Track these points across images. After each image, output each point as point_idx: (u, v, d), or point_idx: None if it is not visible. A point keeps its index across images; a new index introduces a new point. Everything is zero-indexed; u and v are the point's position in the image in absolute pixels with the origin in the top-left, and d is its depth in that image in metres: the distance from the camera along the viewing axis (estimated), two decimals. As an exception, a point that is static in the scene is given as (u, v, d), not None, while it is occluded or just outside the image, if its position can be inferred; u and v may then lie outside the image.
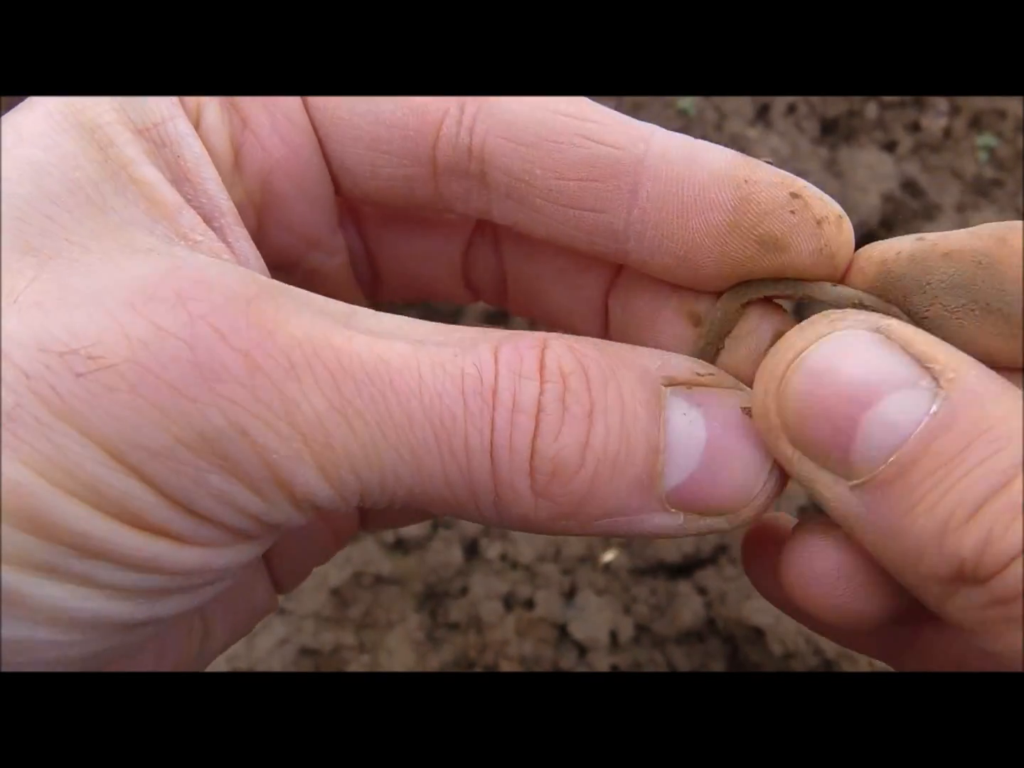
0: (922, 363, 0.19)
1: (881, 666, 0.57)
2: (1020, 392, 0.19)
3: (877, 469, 0.18)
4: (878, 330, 0.19)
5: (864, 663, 0.56)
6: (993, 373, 0.19)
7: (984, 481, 0.17)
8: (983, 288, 0.20)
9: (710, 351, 0.24)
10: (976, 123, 0.87)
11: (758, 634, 0.57)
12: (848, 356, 0.19)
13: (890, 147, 0.81)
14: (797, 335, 0.20)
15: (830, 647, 0.56)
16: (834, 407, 0.19)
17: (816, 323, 0.20)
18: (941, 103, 0.83)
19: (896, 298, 0.21)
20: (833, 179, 0.77)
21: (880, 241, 0.23)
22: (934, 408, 0.18)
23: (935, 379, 0.18)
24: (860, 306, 0.21)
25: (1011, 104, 0.89)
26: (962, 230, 0.21)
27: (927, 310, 0.21)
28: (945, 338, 0.20)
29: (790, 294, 0.22)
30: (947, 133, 0.84)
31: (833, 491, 0.19)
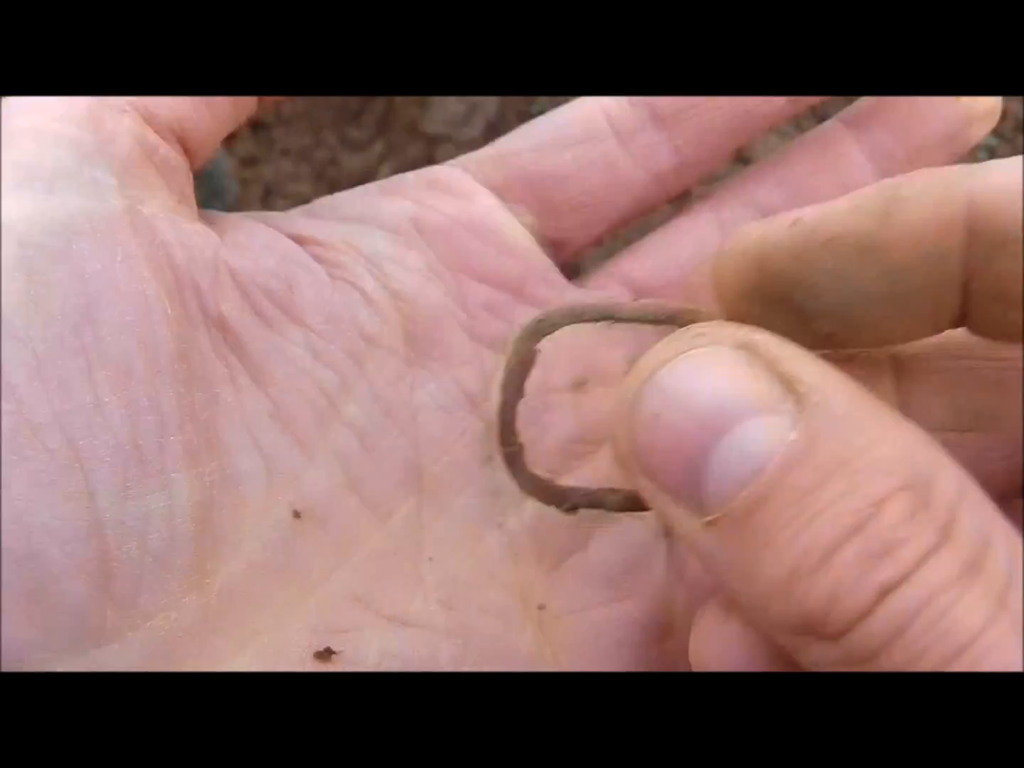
0: (787, 384, 0.16)
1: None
2: (898, 417, 0.17)
3: (729, 505, 0.16)
4: (743, 346, 0.17)
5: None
6: (869, 396, 0.17)
7: (836, 523, 0.15)
8: (872, 279, 0.18)
9: (509, 410, 0.23)
10: (976, 123, 0.87)
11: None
12: (704, 377, 0.17)
13: (890, 147, 0.81)
14: (654, 352, 0.18)
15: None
16: (685, 435, 0.17)
17: (677, 338, 0.18)
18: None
19: (779, 298, 0.19)
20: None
21: (751, 226, 0.19)
22: (792, 436, 0.16)
23: (799, 403, 0.16)
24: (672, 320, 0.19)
25: (1011, 104, 0.89)
26: (845, 201, 0.18)
27: (815, 310, 0.18)
28: (842, 341, 0.18)
29: (595, 318, 0.20)
30: (947, 133, 0.84)
31: (687, 528, 0.17)
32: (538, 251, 0.27)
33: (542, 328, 0.21)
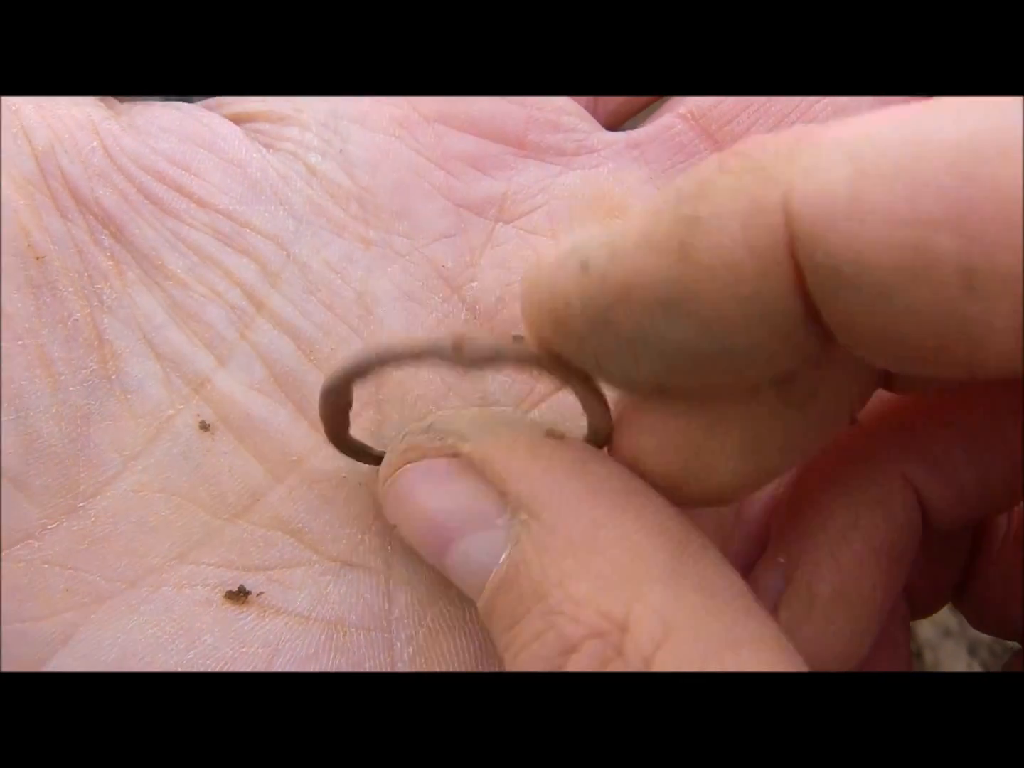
0: (502, 497, 0.15)
1: (880, 666, 0.57)
2: (616, 529, 0.14)
3: (477, 604, 0.16)
4: (456, 455, 0.16)
5: (864, 663, 0.56)
6: (583, 504, 0.15)
7: (538, 663, 0.14)
8: (686, 337, 0.13)
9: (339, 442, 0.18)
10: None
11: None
12: (420, 493, 0.16)
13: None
14: (385, 461, 0.17)
15: (829, 647, 0.56)
16: (421, 544, 0.16)
17: (393, 450, 0.17)
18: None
19: (588, 358, 0.15)
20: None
21: (543, 259, 0.15)
22: (502, 558, 0.15)
23: (513, 518, 0.15)
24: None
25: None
26: (636, 228, 0.13)
27: (630, 372, 0.15)
28: (680, 392, 0.15)
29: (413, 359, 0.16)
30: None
31: None
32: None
33: (350, 376, 0.17)
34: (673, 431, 0.16)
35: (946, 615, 0.61)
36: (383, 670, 0.18)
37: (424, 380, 0.20)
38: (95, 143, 0.19)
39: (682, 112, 0.22)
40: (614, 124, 0.23)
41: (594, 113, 0.23)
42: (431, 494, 0.16)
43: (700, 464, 0.16)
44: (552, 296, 0.14)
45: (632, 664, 0.13)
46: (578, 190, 0.21)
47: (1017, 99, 0.11)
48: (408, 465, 0.17)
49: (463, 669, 0.18)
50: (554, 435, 0.16)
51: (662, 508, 0.15)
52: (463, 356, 0.15)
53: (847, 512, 0.18)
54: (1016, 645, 0.22)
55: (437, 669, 0.18)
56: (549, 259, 0.15)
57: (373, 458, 0.19)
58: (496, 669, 0.18)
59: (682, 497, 0.16)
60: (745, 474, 0.16)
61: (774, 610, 0.19)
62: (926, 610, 0.22)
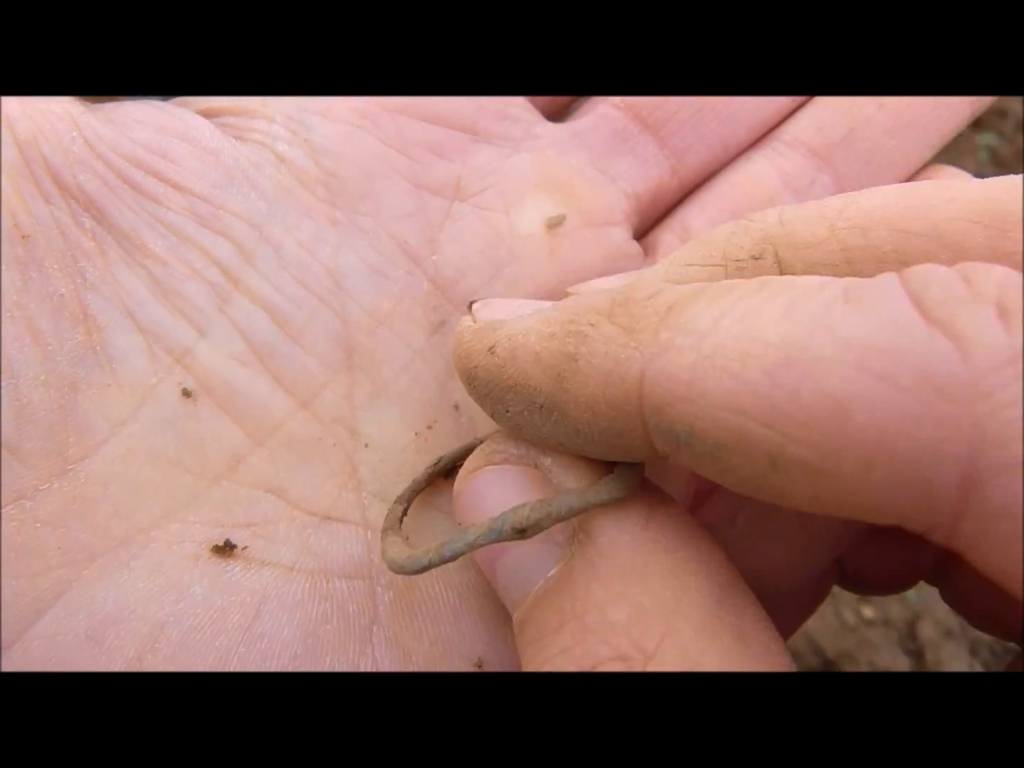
0: None
1: (882, 666, 0.57)
2: (669, 567, 0.15)
3: (513, 613, 0.17)
4: (536, 466, 0.17)
5: (864, 663, 0.56)
6: (640, 536, 0.16)
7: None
8: (558, 431, 0.16)
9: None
10: (976, 122, 0.87)
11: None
12: (493, 494, 0.17)
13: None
14: (473, 456, 0.18)
15: (830, 647, 0.56)
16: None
17: (482, 450, 0.18)
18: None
19: (487, 408, 0.18)
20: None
21: (461, 338, 0.18)
22: (551, 572, 0.16)
23: (571, 536, 0.16)
24: None
25: (1011, 104, 0.89)
26: (534, 331, 0.16)
27: (529, 435, 0.17)
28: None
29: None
30: (947, 133, 0.84)
31: None
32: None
33: (394, 519, 0.19)
34: None
35: (947, 615, 0.61)
36: (366, 612, 0.19)
37: (392, 347, 0.21)
38: (75, 133, 0.20)
39: (616, 102, 0.24)
40: (553, 116, 0.25)
41: (535, 104, 0.25)
42: (502, 497, 0.17)
43: None
44: (467, 364, 0.18)
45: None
46: (527, 170, 0.23)
47: (834, 300, 0.13)
48: (489, 467, 0.18)
49: (441, 612, 0.19)
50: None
51: (714, 554, 0.16)
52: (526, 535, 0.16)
53: None
54: (1016, 646, 0.22)
55: (416, 613, 0.19)
56: (471, 330, 0.18)
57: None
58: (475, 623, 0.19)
59: None
60: None
61: (732, 520, 0.20)
62: (893, 586, 0.22)
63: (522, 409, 0.17)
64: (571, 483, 0.16)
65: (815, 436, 0.12)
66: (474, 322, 0.18)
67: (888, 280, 0.13)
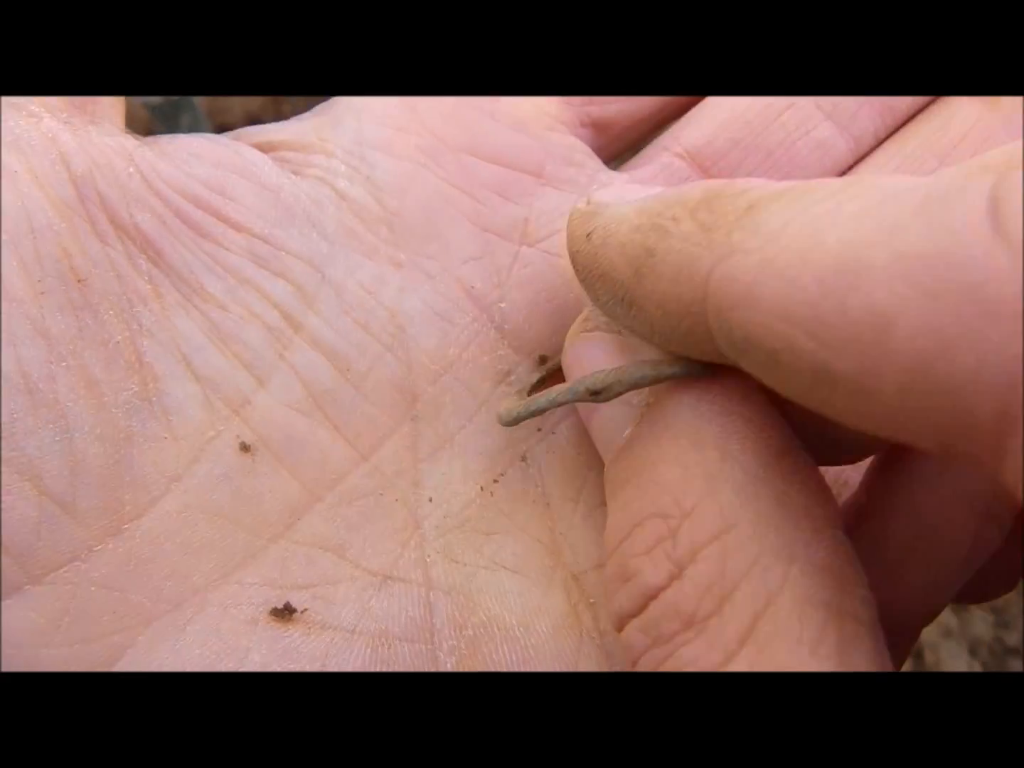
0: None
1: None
2: (721, 433, 0.16)
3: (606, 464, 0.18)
4: (620, 333, 0.18)
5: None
6: (698, 401, 0.16)
7: (612, 535, 0.16)
8: (637, 324, 0.17)
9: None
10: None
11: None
12: (585, 358, 0.18)
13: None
14: (575, 324, 0.19)
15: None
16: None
17: (583, 319, 0.19)
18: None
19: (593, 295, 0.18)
20: (833, 179, 0.77)
21: (569, 219, 0.18)
22: (626, 432, 0.17)
23: (646, 398, 0.17)
24: None
25: (1011, 104, 0.89)
26: (626, 219, 0.16)
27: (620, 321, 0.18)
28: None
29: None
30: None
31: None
32: (562, 128, 0.23)
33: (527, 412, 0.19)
34: None
35: (947, 615, 0.61)
36: None
37: (457, 396, 0.21)
38: (131, 169, 0.19)
39: (678, 151, 0.24)
40: (611, 164, 0.25)
41: (598, 153, 0.24)
42: (593, 361, 0.18)
43: None
44: (571, 247, 0.18)
45: (681, 547, 0.15)
46: None
47: (909, 206, 0.12)
48: (584, 334, 0.18)
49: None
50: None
51: (771, 420, 0.16)
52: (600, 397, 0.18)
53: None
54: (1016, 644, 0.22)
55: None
56: (579, 212, 0.18)
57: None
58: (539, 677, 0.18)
59: None
60: None
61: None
62: (990, 595, 0.21)
63: (608, 299, 0.17)
64: (643, 353, 0.17)
65: (858, 352, 0.12)
66: (587, 204, 0.18)
67: (977, 186, 0.12)
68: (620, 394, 0.17)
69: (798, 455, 0.16)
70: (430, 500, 0.20)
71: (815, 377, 0.13)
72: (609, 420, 0.18)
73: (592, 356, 0.18)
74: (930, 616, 0.19)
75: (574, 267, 0.18)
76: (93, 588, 0.17)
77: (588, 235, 0.17)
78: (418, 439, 0.20)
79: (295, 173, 0.21)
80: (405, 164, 0.21)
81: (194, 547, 0.18)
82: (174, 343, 0.19)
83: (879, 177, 0.13)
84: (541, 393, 0.18)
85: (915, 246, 0.11)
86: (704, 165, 0.23)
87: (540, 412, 0.19)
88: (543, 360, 0.21)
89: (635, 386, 0.17)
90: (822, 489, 0.15)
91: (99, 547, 0.17)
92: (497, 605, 0.19)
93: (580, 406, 0.19)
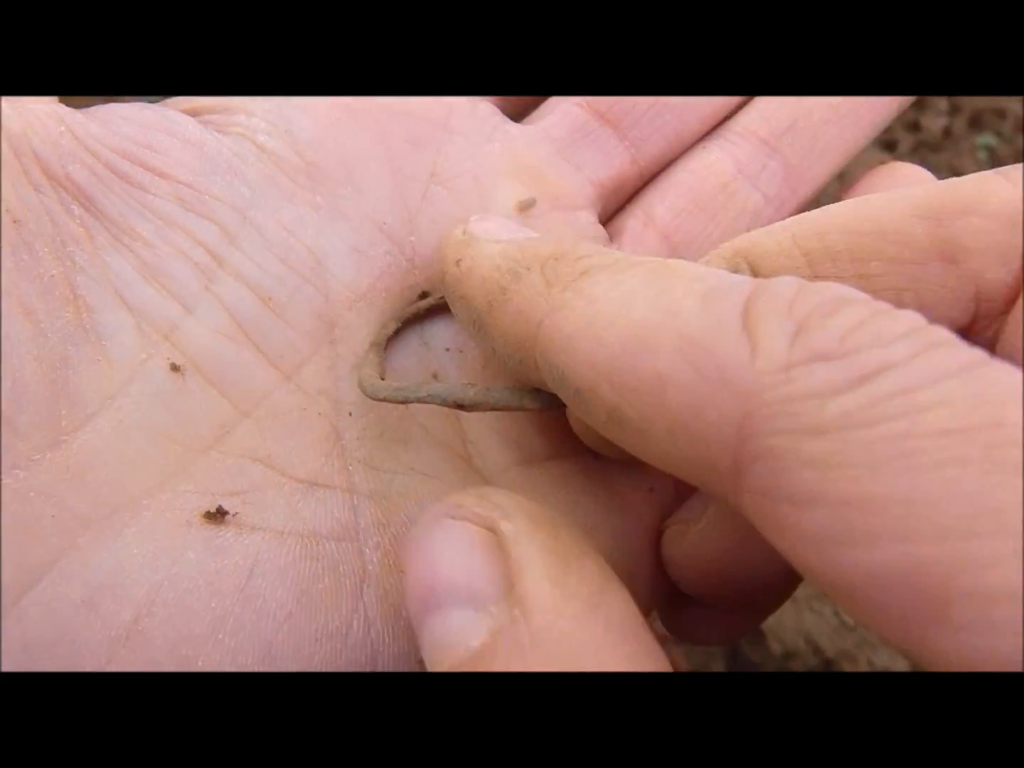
0: (510, 585, 0.15)
1: (881, 666, 0.57)
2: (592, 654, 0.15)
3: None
4: (492, 529, 0.16)
5: (864, 663, 0.56)
6: (578, 627, 0.15)
7: None
8: (481, 342, 0.20)
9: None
10: (976, 123, 0.87)
11: (758, 634, 0.57)
12: (437, 550, 0.16)
13: (890, 146, 0.81)
14: (437, 505, 0.17)
15: (830, 647, 0.56)
16: (413, 595, 0.16)
17: (445, 501, 0.17)
18: (941, 103, 0.83)
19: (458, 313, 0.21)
20: (833, 180, 0.77)
21: (442, 242, 0.22)
22: (475, 643, 0.15)
23: (508, 607, 0.15)
24: None
25: (1011, 104, 0.89)
26: (480, 262, 0.20)
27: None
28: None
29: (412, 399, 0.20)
30: (947, 133, 0.84)
31: None
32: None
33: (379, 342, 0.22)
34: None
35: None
36: (355, 572, 0.20)
37: (372, 321, 0.22)
38: (63, 128, 0.21)
39: (576, 101, 0.26)
40: (516, 118, 0.27)
41: (502, 109, 0.26)
42: (450, 554, 0.16)
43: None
44: (442, 266, 0.21)
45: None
46: (498, 159, 0.25)
47: (693, 295, 0.15)
48: (448, 520, 0.17)
49: None
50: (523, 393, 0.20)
51: (654, 658, 0.15)
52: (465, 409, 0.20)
53: None
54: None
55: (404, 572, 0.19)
56: (455, 239, 0.21)
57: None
58: None
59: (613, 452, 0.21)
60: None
61: (704, 510, 0.21)
62: None
63: (465, 319, 0.20)
64: (524, 555, 0.16)
65: (641, 401, 0.15)
66: (463, 233, 0.21)
67: (739, 287, 0.15)
68: (484, 410, 0.20)
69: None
70: (350, 414, 0.21)
71: (610, 416, 0.16)
72: (455, 621, 0.15)
73: (447, 546, 0.16)
74: (779, 588, 0.21)
75: (444, 285, 0.21)
76: (32, 495, 0.18)
77: (457, 262, 0.20)
78: (337, 360, 0.22)
79: (219, 131, 0.22)
80: (322, 119, 0.23)
81: (129, 459, 0.19)
82: (106, 278, 0.20)
83: (682, 264, 0.17)
84: (418, 384, 0.20)
85: (692, 329, 0.15)
86: (599, 111, 0.26)
87: (404, 402, 0.20)
88: (423, 296, 0.23)
89: (499, 408, 0.20)
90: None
91: (37, 457, 0.19)
92: (416, 507, 0.21)
93: (418, 599, 0.16)
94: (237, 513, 0.19)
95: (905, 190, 0.19)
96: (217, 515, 0.19)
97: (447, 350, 0.23)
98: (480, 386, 0.20)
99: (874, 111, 0.27)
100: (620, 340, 0.15)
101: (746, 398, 0.14)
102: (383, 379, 0.21)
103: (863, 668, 0.56)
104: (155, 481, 0.19)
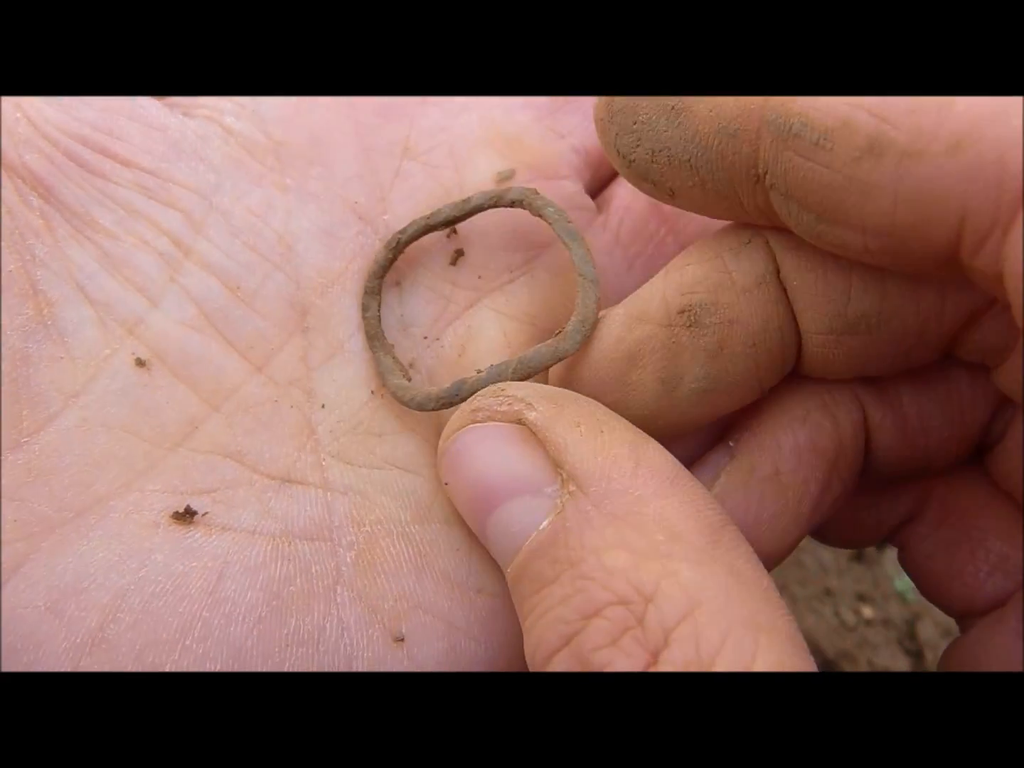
0: (555, 466, 0.16)
1: (881, 666, 0.57)
2: (656, 509, 0.16)
3: (507, 568, 0.17)
4: (520, 421, 0.17)
5: (864, 663, 0.56)
6: (631, 483, 0.16)
7: (553, 631, 0.15)
8: (672, 135, 0.18)
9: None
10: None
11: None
12: (476, 453, 0.17)
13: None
14: (451, 419, 0.19)
15: (830, 647, 0.56)
16: (466, 504, 0.18)
17: (464, 408, 0.18)
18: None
19: (612, 136, 0.20)
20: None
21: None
22: (543, 524, 0.16)
23: (562, 487, 0.16)
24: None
25: (1011, 104, 0.88)
26: None
27: (633, 153, 0.19)
28: (652, 183, 0.19)
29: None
30: None
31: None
32: None
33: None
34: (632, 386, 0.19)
35: (946, 615, 0.61)
36: (328, 572, 0.19)
37: (345, 307, 0.22)
38: (18, 114, 0.20)
39: None
40: None
41: None
42: (490, 455, 0.17)
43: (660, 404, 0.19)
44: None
45: (650, 633, 0.14)
46: (475, 128, 0.23)
47: None
48: (473, 425, 0.18)
49: (402, 569, 0.19)
50: (541, 350, 0.19)
51: (703, 498, 0.17)
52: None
53: (797, 407, 0.20)
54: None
55: (379, 571, 0.19)
56: None
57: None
58: (441, 586, 0.19)
59: (656, 428, 0.19)
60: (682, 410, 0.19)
61: (715, 478, 0.20)
62: (852, 542, 0.24)
63: (651, 113, 0.18)
64: (557, 435, 0.17)
65: (915, 119, 0.14)
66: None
67: None
68: (531, 377, 0.19)
69: (733, 528, 0.16)
70: (323, 406, 0.20)
71: (869, 146, 0.14)
72: (515, 513, 0.17)
73: (488, 449, 0.17)
74: (786, 549, 0.20)
75: (613, 102, 0.19)
76: None
77: None
78: (309, 349, 0.21)
79: (184, 114, 0.22)
80: (292, 99, 0.22)
81: (95, 458, 0.19)
82: (67, 271, 0.20)
83: None
84: (458, 384, 0.20)
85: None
86: None
87: (450, 407, 0.20)
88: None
89: (543, 369, 0.19)
90: (756, 558, 0.16)
91: None
92: (392, 503, 0.20)
93: (473, 505, 0.18)
94: (207, 513, 0.19)
95: None
96: (186, 515, 0.19)
97: (424, 338, 0.22)
98: (511, 359, 0.19)
99: None
100: None
101: None
102: (409, 379, 0.21)
103: (863, 668, 0.56)
104: (122, 481, 0.19)
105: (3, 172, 0.20)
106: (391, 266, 0.21)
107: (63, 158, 0.20)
